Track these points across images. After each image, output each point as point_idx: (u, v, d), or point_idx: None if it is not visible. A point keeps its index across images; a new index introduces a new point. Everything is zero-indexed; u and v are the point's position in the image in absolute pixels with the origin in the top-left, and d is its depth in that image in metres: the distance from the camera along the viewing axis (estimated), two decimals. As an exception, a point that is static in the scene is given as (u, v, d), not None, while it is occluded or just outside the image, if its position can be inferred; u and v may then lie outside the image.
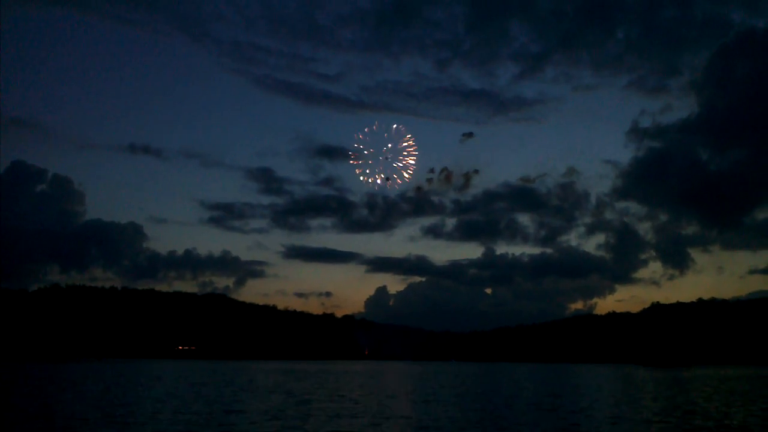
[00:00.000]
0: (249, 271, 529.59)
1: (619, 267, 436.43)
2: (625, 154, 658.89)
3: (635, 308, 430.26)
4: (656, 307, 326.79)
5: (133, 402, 45.15)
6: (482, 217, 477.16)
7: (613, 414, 40.36)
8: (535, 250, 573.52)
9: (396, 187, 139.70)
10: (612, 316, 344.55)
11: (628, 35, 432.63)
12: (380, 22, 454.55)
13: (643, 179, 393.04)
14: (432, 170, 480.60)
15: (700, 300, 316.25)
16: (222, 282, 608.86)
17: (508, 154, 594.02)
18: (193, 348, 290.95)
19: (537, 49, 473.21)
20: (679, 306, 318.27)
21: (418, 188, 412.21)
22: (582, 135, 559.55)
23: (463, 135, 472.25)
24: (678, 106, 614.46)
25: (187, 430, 30.51)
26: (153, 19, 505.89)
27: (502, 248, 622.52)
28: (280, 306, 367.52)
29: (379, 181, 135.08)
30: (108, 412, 37.49)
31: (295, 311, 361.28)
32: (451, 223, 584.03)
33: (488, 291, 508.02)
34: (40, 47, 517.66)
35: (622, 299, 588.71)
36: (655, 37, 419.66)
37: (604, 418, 38.18)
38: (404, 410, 42.32)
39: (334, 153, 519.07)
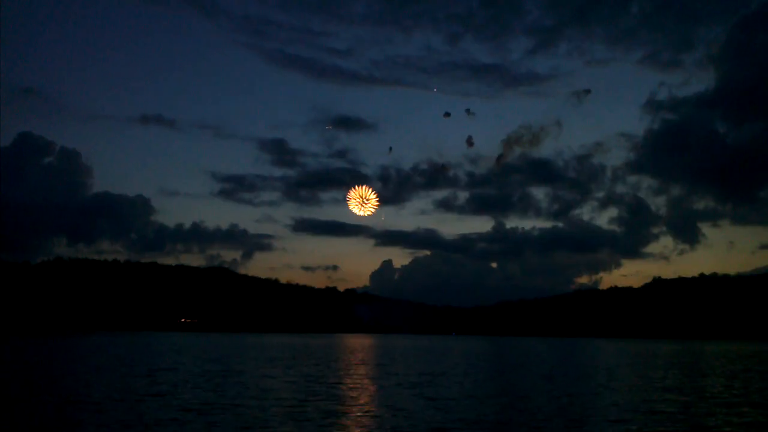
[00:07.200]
0: (257, 244, 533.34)
1: (630, 241, 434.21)
2: (640, 127, 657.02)
3: (638, 283, 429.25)
4: (658, 282, 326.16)
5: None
6: (496, 190, 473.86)
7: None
8: (547, 224, 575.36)
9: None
10: (613, 290, 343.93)
11: (642, 9, 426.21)
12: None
13: (657, 152, 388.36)
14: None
15: (701, 275, 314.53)
16: (229, 255, 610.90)
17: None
18: (196, 321, 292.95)
19: (550, 24, 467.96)
20: (681, 281, 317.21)
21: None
22: (595, 109, 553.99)
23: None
24: (694, 80, 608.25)
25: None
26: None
27: (513, 222, 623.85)
28: (284, 279, 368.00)
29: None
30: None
31: (297, 285, 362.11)
32: (463, 196, 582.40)
33: (494, 265, 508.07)
34: (50, 18, 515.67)
35: (628, 274, 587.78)
36: (670, 11, 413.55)
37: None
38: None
39: (351, 125, 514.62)
